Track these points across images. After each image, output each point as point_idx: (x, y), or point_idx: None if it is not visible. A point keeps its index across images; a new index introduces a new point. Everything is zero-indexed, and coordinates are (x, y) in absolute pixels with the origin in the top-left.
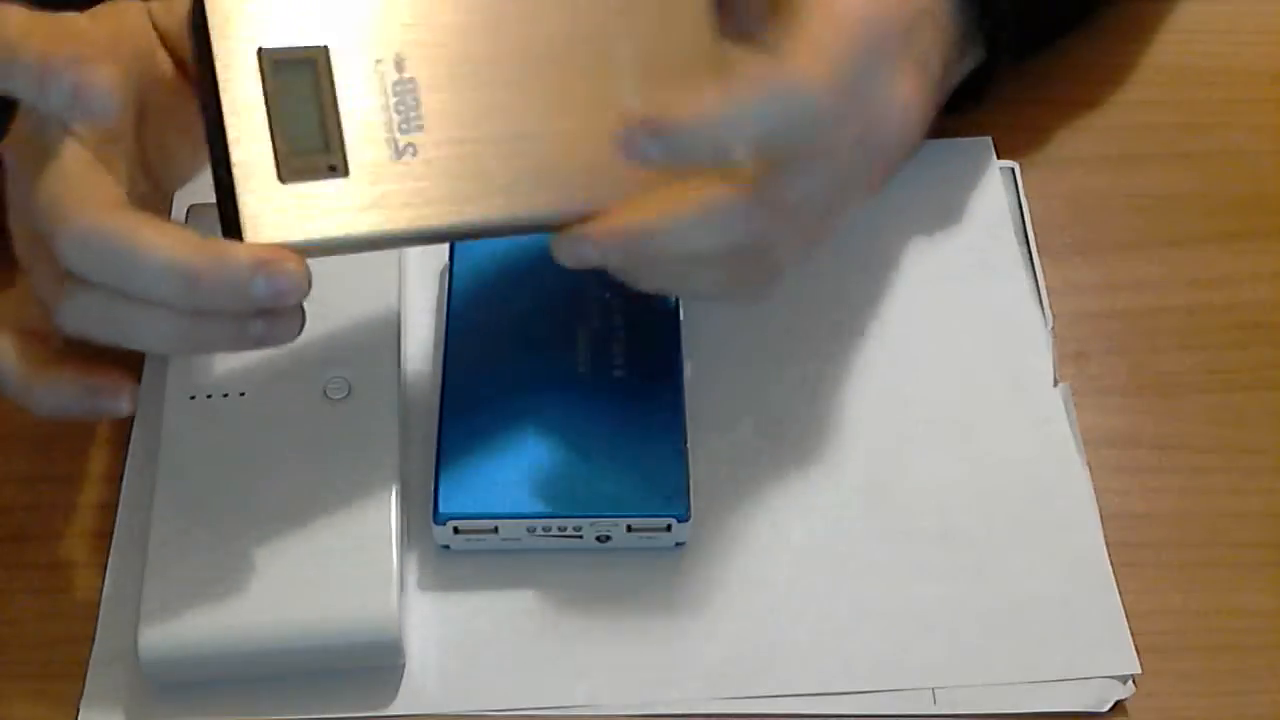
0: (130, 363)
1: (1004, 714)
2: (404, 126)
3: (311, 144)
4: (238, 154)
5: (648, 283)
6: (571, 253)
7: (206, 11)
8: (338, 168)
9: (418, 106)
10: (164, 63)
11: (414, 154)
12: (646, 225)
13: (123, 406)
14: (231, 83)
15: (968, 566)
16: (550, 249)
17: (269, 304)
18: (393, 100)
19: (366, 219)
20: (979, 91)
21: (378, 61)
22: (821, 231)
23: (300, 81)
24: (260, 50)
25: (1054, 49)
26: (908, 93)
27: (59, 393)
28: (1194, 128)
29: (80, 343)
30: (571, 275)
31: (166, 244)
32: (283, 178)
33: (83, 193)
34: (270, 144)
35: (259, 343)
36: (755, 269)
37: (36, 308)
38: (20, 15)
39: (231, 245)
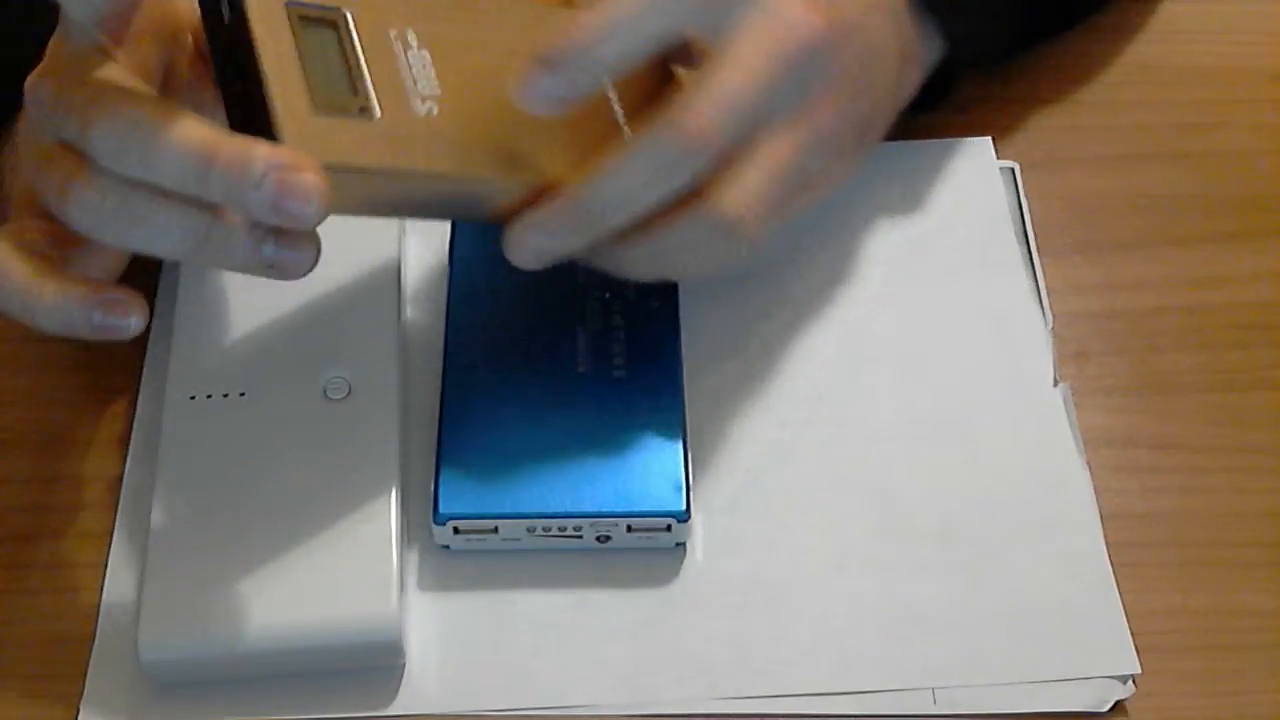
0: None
1: (1004, 714)
2: (423, 89)
3: (341, 86)
4: (272, 82)
5: (622, 265)
6: (522, 243)
7: None
8: (368, 110)
9: (433, 76)
10: (187, 44)
11: (435, 112)
12: (580, 182)
13: (132, 323)
14: (263, 27)
15: (968, 566)
16: (504, 253)
17: (277, 211)
18: (410, 67)
19: (393, 154)
20: (942, 93)
21: (393, 34)
22: (781, 175)
23: (327, 36)
24: (287, 5)
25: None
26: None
27: (67, 305)
28: (1194, 128)
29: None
30: (571, 274)
31: (192, 126)
32: (316, 108)
33: (126, 88)
34: (303, 80)
35: (270, 269)
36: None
37: (38, 230)
38: None
39: (255, 141)
